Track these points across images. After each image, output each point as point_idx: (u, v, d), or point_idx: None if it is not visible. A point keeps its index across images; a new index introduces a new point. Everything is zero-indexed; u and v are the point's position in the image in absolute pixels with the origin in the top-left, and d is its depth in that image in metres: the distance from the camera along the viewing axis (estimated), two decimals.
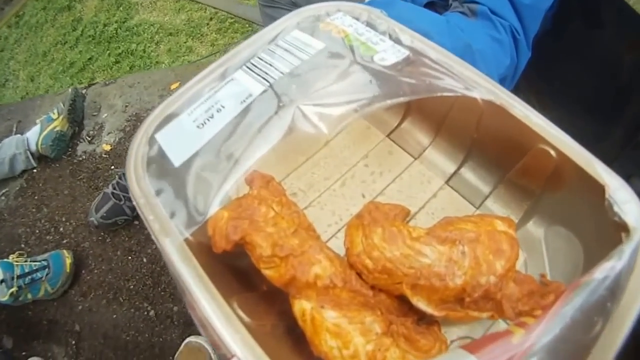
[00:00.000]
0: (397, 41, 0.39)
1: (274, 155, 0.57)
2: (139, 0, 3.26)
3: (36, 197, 1.62)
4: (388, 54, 0.36)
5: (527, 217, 0.51)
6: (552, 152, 0.36)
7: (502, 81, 0.74)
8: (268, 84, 0.36)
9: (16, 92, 3.35)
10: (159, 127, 0.43)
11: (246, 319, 0.40)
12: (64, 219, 1.53)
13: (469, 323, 0.48)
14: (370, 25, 0.41)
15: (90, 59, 3.06)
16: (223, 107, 0.37)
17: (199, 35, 2.84)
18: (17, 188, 1.69)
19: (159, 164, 0.39)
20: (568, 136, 0.43)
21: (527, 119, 0.38)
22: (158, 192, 0.38)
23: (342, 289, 0.39)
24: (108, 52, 3.06)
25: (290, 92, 0.40)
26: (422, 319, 0.43)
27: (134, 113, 1.85)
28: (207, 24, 2.90)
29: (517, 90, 1.06)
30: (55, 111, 1.71)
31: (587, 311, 0.28)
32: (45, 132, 1.66)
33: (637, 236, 0.31)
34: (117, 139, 1.77)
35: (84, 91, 1.97)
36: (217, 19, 2.95)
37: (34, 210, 1.59)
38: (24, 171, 1.72)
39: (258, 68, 0.38)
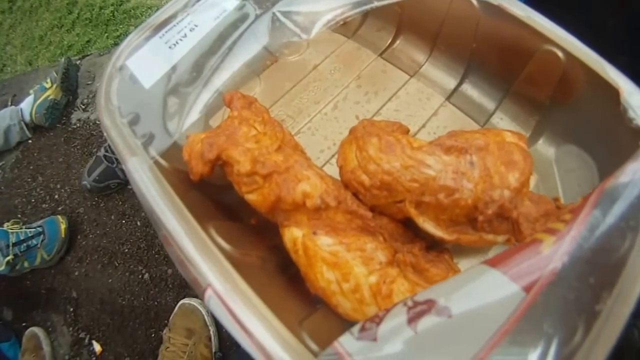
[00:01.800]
0: None
1: (258, 83, 0.55)
2: None
3: (31, 167, 1.61)
4: None
5: (537, 135, 0.48)
6: (560, 54, 0.33)
7: None
8: None
9: (15, 75, 3.37)
10: (130, 54, 0.40)
11: (226, 246, 0.36)
12: (58, 186, 1.52)
13: (484, 250, 0.44)
14: None
15: (88, 41, 3.04)
16: (196, 25, 0.35)
17: None
18: (13, 160, 1.68)
19: (130, 89, 0.37)
20: (574, 37, 0.40)
21: (530, 19, 0.35)
22: (127, 117, 0.35)
23: (337, 211, 0.34)
24: (106, 34, 3.03)
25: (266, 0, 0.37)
26: (432, 246, 0.38)
27: None
28: None
29: None
30: (49, 80, 1.69)
31: (621, 215, 0.24)
32: (38, 101, 1.64)
33: None
34: None
35: (78, 62, 1.94)
36: None
37: (29, 180, 1.58)
38: (19, 143, 1.70)
39: None
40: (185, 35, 0.38)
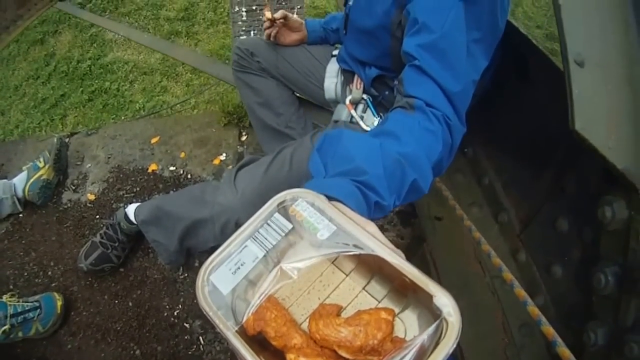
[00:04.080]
0: (330, 219, 0.60)
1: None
2: (113, 38, 3.38)
3: (23, 242, 1.74)
4: (324, 231, 0.58)
5: (405, 308, 0.70)
6: (407, 279, 0.56)
7: (439, 162, 0.85)
8: (265, 251, 0.57)
9: None
10: (211, 271, 0.60)
11: None
12: (52, 264, 1.66)
13: None
14: (315, 207, 0.61)
15: (62, 95, 3.14)
16: (243, 264, 0.57)
17: (174, 75, 2.99)
18: (3, 231, 1.79)
19: (214, 293, 0.58)
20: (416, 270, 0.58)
21: (399, 266, 0.57)
22: (218, 308, 0.56)
23: (310, 350, 0.58)
24: (81, 89, 3.14)
25: (276, 257, 0.60)
26: None
27: (117, 165, 1.99)
28: (182, 64, 3.04)
29: (465, 143, 1.25)
30: (42, 159, 1.83)
31: None
32: (32, 180, 1.78)
33: (449, 324, 0.51)
34: (100, 190, 1.90)
35: (67, 140, 2.09)
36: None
37: (21, 253, 1.71)
38: (9, 215, 1.82)
39: (259, 240, 0.59)
40: (238, 268, 0.59)
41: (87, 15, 3.25)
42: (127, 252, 1.60)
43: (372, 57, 1.18)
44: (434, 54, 0.86)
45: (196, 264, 1.59)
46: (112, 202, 1.85)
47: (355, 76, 1.28)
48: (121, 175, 1.95)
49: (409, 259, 0.57)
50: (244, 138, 2.06)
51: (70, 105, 3.11)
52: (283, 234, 0.59)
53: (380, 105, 1.25)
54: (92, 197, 1.86)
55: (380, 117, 1.24)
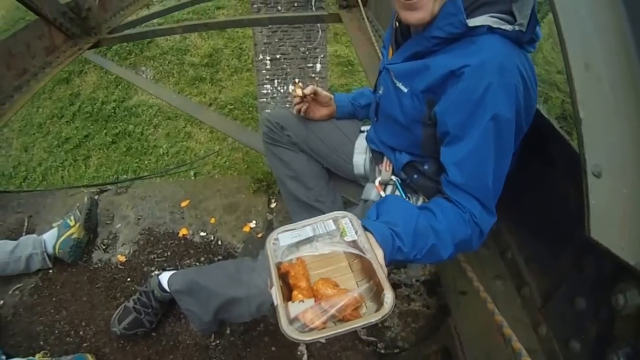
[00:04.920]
0: (356, 234, 0.91)
1: None
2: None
3: (54, 299, 1.72)
4: (349, 237, 0.91)
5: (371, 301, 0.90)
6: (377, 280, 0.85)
7: (466, 241, 1.05)
8: (313, 235, 0.94)
9: (8, 160, 3.40)
10: (280, 232, 0.97)
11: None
12: (83, 324, 1.64)
13: None
14: (353, 226, 0.93)
15: (86, 136, 3.18)
16: (299, 236, 0.94)
17: (198, 121, 3.05)
18: (32, 285, 1.77)
19: (276, 245, 0.95)
20: (385, 279, 0.84)
21: (377, 270, 0.85)
22: (274, 251, 0.94)
23: (307, 293, 0.84)
24: (105, 131, 3.20)
25: (316, 240, 0.95)
26: None
27: (147, 227, 1.98)
28: (206, 110, 3.11)
29: None
30: (72, 217, 1.82)
31: None
32: (62, 238, 1.77)
33: (383, 307, 0.81)
34: (131, 251, 1.88)
35: (96, 197, 2.09)
36: (217, 105, 3.18)
37: (52, 311, 1.68)
38: (38, 269, 1.79)
39: (314, 229, 0.95)
40: (294, 237, 0.94)
41: (115, 69, 3.31)
42: (159, 317, 1.61)
43: (403, 145, 1.21)
44: (466, 169, 1.01)
45: (228, 332, 1.60)
46: (143, 265, 1.83)
47: (385, 158, 1.30)
48: (152, 238, 1.94)
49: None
50: (273, 205, 2.05)
51: (93, 147, 3.15)
52: (327, 230, 0.94)
53: (409, 188, 1.27)
54: (122, 258, 1.86)
55: (408, 199, 1.27)
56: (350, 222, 0.94)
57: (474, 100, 0.95)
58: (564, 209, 1.22)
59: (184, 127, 2.87)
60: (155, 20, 3.81)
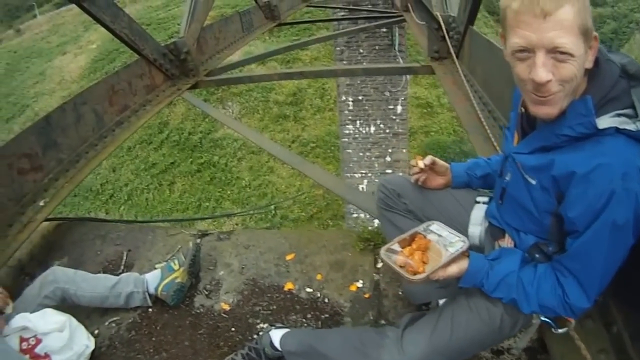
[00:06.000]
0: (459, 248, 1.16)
1: None
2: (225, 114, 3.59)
3: (153, 339, 1.67)
4: (455, 246, 1.15)
5: None
6: None
7: (551, 310, 1.12)
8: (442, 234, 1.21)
9: (97, 178, 3.60)
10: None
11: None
12: None
13: None
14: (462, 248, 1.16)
15: (172, 163, 3.29)
16: (431, 226, 1.27)
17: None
18: (130, 321, 1.74)
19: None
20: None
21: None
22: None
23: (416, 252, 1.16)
24: (190, 159, 3.30)
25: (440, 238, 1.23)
26: None
27: (252, 277, 1.92)
28: (289, 146, 3.15)
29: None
30: (176, 262, 1.80)
31: None
32: (166, 281, 1.75)
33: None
34: (235, 301, 1.81)
35: (198, 241, 2.07)
36: (299, 142, 3.24)
37: (151, 350, 1.63)
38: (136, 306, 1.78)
39: (442, 229, 1.22)
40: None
41: (214, 112, 3.37)
42: None
43: (531, 230, 1.21)
44: (578, 258, 1.07)
45: None
46: (248, 316, 1.74)
47: (507, 236, 1.30)
48: (257, 290, 1.87)
49: None
50: (379, 265, 1.93)
51: (179, 173, 3.24)
52: (451, 240, 1.18)
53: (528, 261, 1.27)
54: (226, 306, 1.79)
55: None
56: (462, 248, 1.17)
57: (595, 205, 0.99)
58: None
59: (266, 162, 2.93)
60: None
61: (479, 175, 1.49)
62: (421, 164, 1.43)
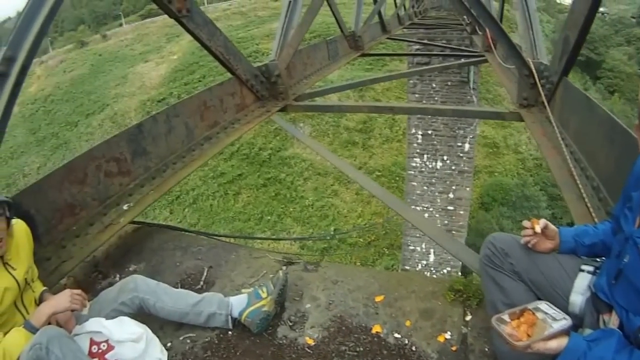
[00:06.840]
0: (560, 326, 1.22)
1: None
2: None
3: None
4: (559, 323, 1.24)
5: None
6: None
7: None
8: (548, 313, 1.28)
9: None
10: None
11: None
12: None
13: None
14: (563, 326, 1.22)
15: (240, 175, 3.41)
16: (539, 304, 1.32)
17: (346, 181, 3.11)
18: (206, 340, 1.78)
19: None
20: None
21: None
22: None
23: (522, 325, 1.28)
24: (258, 174, 3.40)
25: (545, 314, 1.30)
26: None
27: (339, 315, 1.90)
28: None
29: None
30: (265, 290, 1.82)
31: None
32: (252, 308, 1.78)
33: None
34: (320, 336, 1.80)
35: (283, 267, 2.09)
36: (366, 169, 3.26)
37: None
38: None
39: (550, 308, 1.31)
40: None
41: (299, 135, 3.35)
42: None
43: None
44: None
45: None
46: (333, 354, 1.72)
47: (614, 313, 1.29)
48: (343, 328, 1.86)
49: None
50: (468, 318, 1.90)
51: (245, 185, 3.35)
52: (553, 311, 1.27)
53: (627, 338, 1.24)
54: (310, 341, 1.78)
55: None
56: (564, 326, 1.23)
57: None
58: None
59: (331, 185, 2.98)
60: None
61: (587, 244, 1.49)
62: (538, 228, 1.45)
